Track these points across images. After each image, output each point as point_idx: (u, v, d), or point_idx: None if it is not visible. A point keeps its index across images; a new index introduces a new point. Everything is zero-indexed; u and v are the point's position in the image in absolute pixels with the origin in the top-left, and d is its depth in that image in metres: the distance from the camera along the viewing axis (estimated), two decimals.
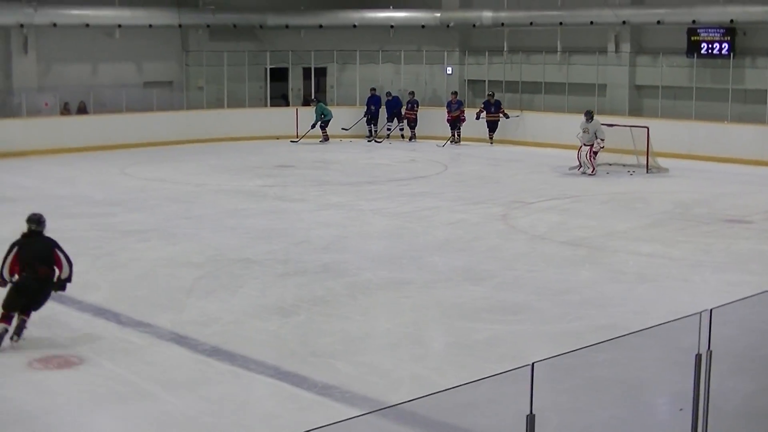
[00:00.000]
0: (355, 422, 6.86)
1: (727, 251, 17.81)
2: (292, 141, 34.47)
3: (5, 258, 12.45)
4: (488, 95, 34.48)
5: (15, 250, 12.49)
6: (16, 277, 12.38)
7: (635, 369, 9.08)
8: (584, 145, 26.97)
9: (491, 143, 34.04)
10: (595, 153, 26.90)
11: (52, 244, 12.70)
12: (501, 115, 33.85)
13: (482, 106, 34.21)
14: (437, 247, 17.95)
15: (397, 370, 11.49)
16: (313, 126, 34.46)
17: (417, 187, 24.87)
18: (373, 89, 36.21)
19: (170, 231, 19.40)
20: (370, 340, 12.66)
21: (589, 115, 27.14)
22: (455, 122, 34.33)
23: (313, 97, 36.14)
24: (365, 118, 35.88)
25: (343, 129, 35.17)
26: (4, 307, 12.26)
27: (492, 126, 34.09)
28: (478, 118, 33.84)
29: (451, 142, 34.22)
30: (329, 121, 34.74)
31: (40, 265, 12.46)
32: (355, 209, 21.80)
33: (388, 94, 35.87)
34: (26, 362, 11.65)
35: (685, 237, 18.91)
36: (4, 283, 12.46)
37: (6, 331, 12.14)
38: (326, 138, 34.65)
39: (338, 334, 12.84)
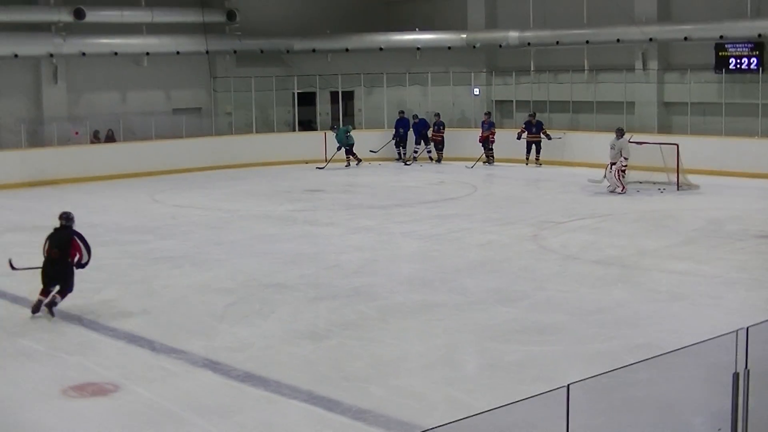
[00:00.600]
0: None
1: (762, 268, 17.68)
2: (318, 167, 34.42)
3: (43, 247, 15.47)
4: (530, 115, 34.16)
5: (47, 240, 15.45)
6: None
7: (672, 389, 9.00)
8: (611, 163, 26.90)
9: (534, 163, 33.66)
10: (622, 171, 26.81)
11: (72, 234, 15.48)
12: (542, 135, 33.58)
13: (524, 126, 33.95)
14: (468, 269, 17.91)
15: (431, 393, 11.45)
16: (339, 149, 34.33)
17: (447, 209, 24.83)
18: (401, 112, 36.22)
19: (201, 257, 19.44)
20: (403, 364, 12.62)
21: (620, 133, 27.06)
22: (486, 142, 34.26)
23: (332, 124, 36.00)
24: (393, 141, 35.89)
25: (371, 152, 35.19)
26: (42, 284, 15.17)
27: (533, 146, 33.67)
28: (519, 138, 33.60)
29: (483, 162, 34.16)
30: (352, 145, 34.55)
31: (52, 249, 15.24)
32: (386, 232, 21.79)
33: (415, 116, 35.87)
34: (61, 390, 11.67)
35: (718, 254, 18.81)
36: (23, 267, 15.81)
37: (41, 302, 15.03)
38: (358, 160, 34.68)
39: (371, 357, 12.81)
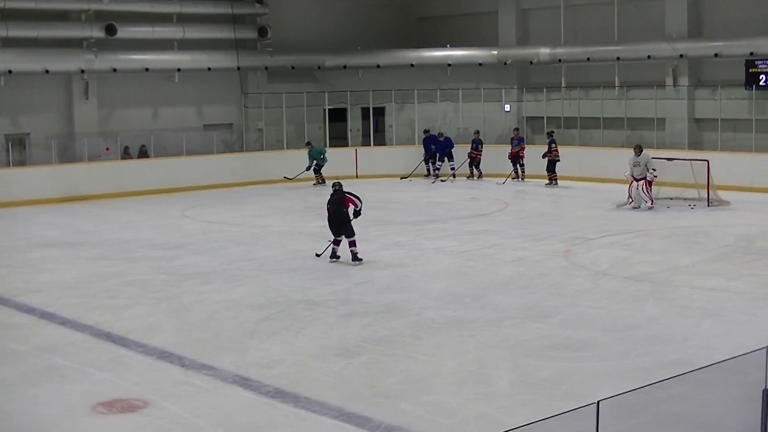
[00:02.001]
0: None
1: None
2: (286, 177, 34.52)
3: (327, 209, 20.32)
4: (549, 134, 34.09)
5: (328, 202, 20.38)
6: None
7: (703, 405, 8.99)
8: (636, 179, 26.83)
9: (547, 183, 33.49)
10: (650, 184, 26.76)
11: (344, 193, 20.33)
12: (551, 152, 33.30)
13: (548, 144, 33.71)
14: (500, 285, 17.89)
15: (463, 409, 11.44)
16: (308, 169, 34.09)
17: (478, 225, 24.82)
18: (427, 130, 36.18)
19: (233, 273, 19.48)
20: (435, 380, 12.61)
21: (639, 149, 27.00)
22: (516, 159, 34.22)
23: (306, 141, 35.55)
24: (424, 159, 35.90)
25: (402, 178, 35.37)
26: (334, 235, 20.20)
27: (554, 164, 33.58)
28: (544, 156, 33.41)
29: (512, 178, 34.14)
30: (323, 165, 34.32)
31: (330, 206, 20.30)
32: (417, 248, 21.79)
33: (440, 134, 35.78)
34: (90, 406, 11.71)
35: (749, 270, 18.73)
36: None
37: (334, 250, 20.24)
38: (322, 181, 34.05)
39: (402, 374, 12.80)
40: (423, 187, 33.37)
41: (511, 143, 34.61)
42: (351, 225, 20.21)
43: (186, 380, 12.77)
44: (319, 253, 20.75)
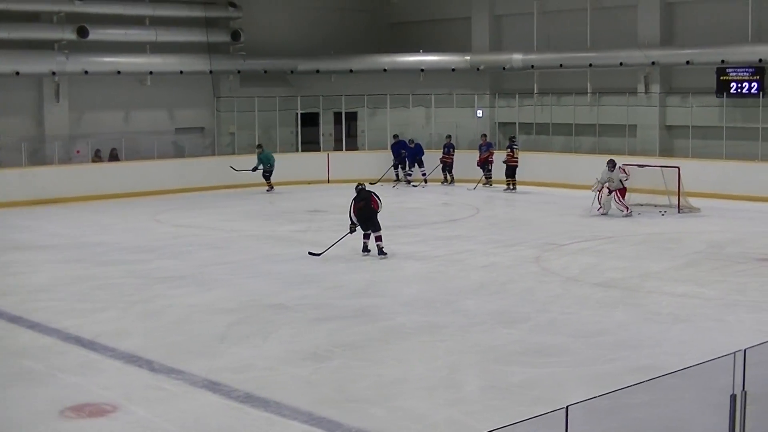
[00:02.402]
0: None
1: (762, 290, 17.69)
2: (232, 167, 34.18)
3: (350, 209, 21.44)
4: (511, 139, 34.45)
5: (353, 202, 21.39)
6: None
7: (671, 410, 9.01)
8: (610, 190, 26.89)
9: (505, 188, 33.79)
10: (623, 193, 26.83)
11: (371, 193, 21.63)
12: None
13: (508, 150, 33.99)
14: (471, 291, 17.90)
15: (433, 414, 11.43)
16: (254, 170, 33.76)
17: (450, 231, 24.84)
18: (396, 135, 36.24)
19: (204, 277, 19.43)
20: (405, 385, 12.60)
21: (612, 164, 27.01)
22: (485, 164, 34.29)
23: (258, 143, 35.27)
24: (393, 164, 35.90)
25: (371, 184, 35.36)
26: (363, 229, 21.43)
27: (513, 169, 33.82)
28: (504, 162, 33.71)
29: (482, 184, 34.21)
30: (272, 171, 34.01)
31: (359, 203, 21.32)
32: (388, 253, 21.77)
33: (411, 141, 35.80)
34: (59, 411, 11.63)
35: (718, 277, 18.81)
36: (353, 227, 21.41)
37: (366, 244, 21.54)
38: (271, 187, 34.00)
39: (372, 379, 12.79)
40: (394, 192, 33.38)
41: (480, 149, 34.72)
42: (378, 220, 21.44)
43: (155, 384, 12.71)
44: (315, 252, 21.43)
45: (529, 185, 33.89)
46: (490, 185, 34.25)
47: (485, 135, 35.53)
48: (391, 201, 30.62)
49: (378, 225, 21.39)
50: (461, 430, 10.70)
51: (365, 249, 21.53)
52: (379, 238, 21.36)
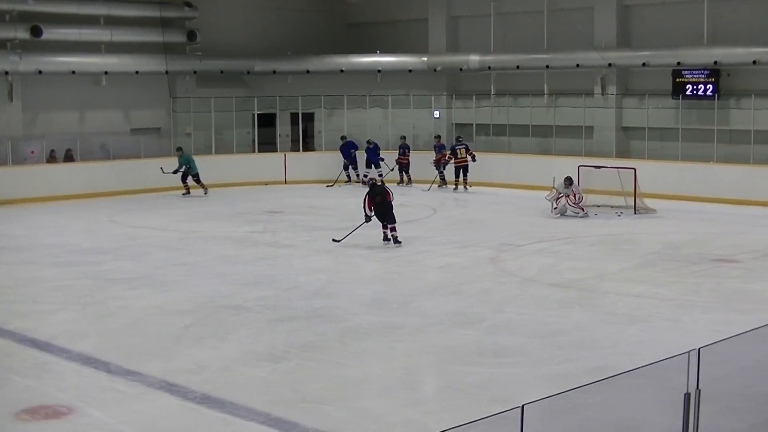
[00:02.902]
0: None
1: (716, 291, 17.83)
2: (162, 169, 33.60)
3: (363, 202, 23.01)
4: (457, 139, 34.91)
5: (367, 196, 23.07)
6: (372, 210, 22.93)
7: (626, 409, 9.05)
8: (561, 196, 27.03)
9: (463, 186, 34.09)
10: (579, 204, 27.01)
11: (384, 186, 23.77)
12: (469, 158, 33.91)
13: (450, 151, 34.27)
14: (428, 291, 17.93)
15: (390, 414, 11.44)
16: (174, 172, 32.82)
17: (407, 231, 24.81)
18: (344, 137, 36.31)
19: (160, 279, 19.35)
20: (362, 386, 12.61)
21: (569, 182, 27.09)
22: (438, 165, 34.39)
23: (178, 146, 34.42)
24: (344, 166, 35.91)
25: (328, 186, 35.41)
26: (381, 221, 23.01)
27: (461, 170, 34.04)
28: (444, 167, 33.99)
29: (437, 185, 34.31)
30: (197, 174, 33.04)
31: (375, 197, 22.94)
32: (345, 254, 21.79)
33: (369, 141, 35.82)
34: (13, 413, 11.54)
35: (674, 277, 18.93)
36: (368, 218, 22.96)
37: (385, 234, 23.07)
38: (188, 191, 33.09)
39: (330, 379, 12.78)
40: (352, 193, 33.31)
41: (435, 150, 34.87)
42: (393, 213, 23.12)
43: (112, 386, 12.65)
44: (337, 239, 23.18)
45: (485, 186, 33.97)
46: (445, 186, 34.32)
47: (439, 136, 35.67)
48: (349, 202, 30.58)
49: (394, 218, 23.12)
50: (418, 430, 10.72)
51: (386, 238, 23.10)
52: (394, 229, 23.05)
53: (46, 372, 13.31)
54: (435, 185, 34.27)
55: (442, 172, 34.30)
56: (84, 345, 14.54)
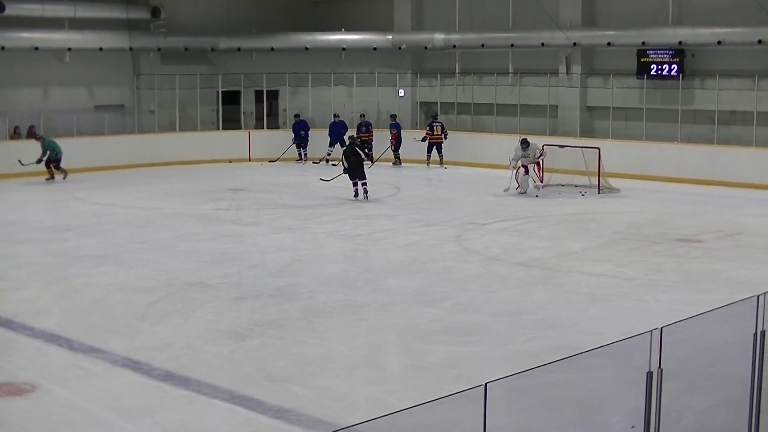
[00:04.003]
0: None
1: (679, 270, 17.93)
2: (20, 161, 31.21)
3: (342, 158, 26.79)
4: (432, 117, 35.51)
5: (343, 155, 26.84)
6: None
7: (589, 388, 9.11)
8: (523, 166, 27.13)
9: (438, 165, 34.72)
10: (539, 166, 27.13)
11: (355, 146, 27.00)
12: (443, 136, 34.64)
13: (427, 128, 34.66)
14: (392, 270, 17.95)
15: (354, 392, 11.47)
16: (39, 161, 30.65)
17: (371, 210, 24.89)
18: (297, 115, 36.30)
19: (123, 256, 19.29)
20: (326, 364, 12.62)
21: (526, 144, 27.16)
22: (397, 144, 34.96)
23: (39, 134, 32.49)
24: (294, 143, 35.90)
25: (270, 161, 35.45)
26: (352, 178, 26.57)
27: (434, 148, 34.71)
28: (424, 140, 34.21)
29: (393, 164, 35.13)
30: (60, 158, 30.87)
31: (350, 158, 26.42)
32: (309, 232, 21.79)
33: (336, 115, 35.78)
34: None
35: (637, 257, 19.03)
36: (345, 170, 26.60)
37: (356, 191, 26.46)
38: (52, 177, 30.92)
39: (293, 357, 12.79)
40: (315, 171, 33.27)
41: (390, 129, 35.13)
42: (364, 170, 26.61)
43: (75, 363, 12.62)
44: (325, 179, 27.59)
45: (450, 165, 34.05)
46: (400, 165, 35.12)
47: (395, 115, 35.82)
48: (312, 180, 30.57)
49: (364, 174, 26.53)
50: (382, 408, 10.73)
51: (356, 194, 26.38)
52: (365, 184, 26.39)
53: (8, 349, 13.26)
54: (392, 164, 35.20)
55: (370, 149, 34.78)
56: (47, 322, 14.49)
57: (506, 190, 27.26)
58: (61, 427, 10.54)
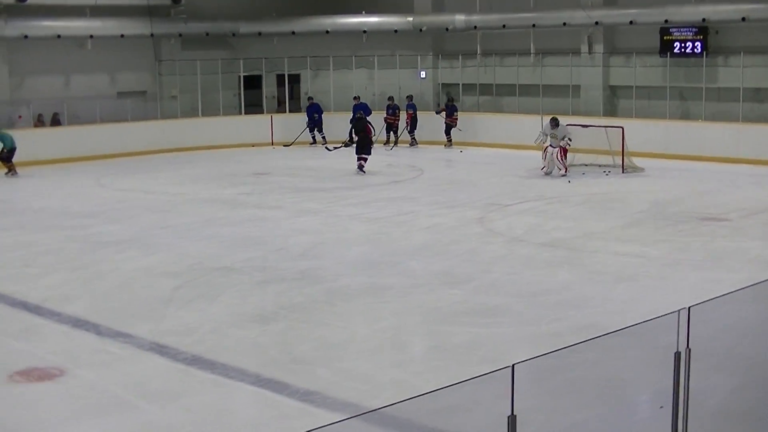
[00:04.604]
0: (336, 427, 6.85)
1: (704, 249, 17.87)
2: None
3: (350, 130, 29.49)
4: (449, 99, 35.91)
5: (352, 128, 29.28)
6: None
7: (615, 368, 9.09)
8: (551, 146, 27.09)
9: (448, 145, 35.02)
10: (565, 152, 27.04)
11: (366, 122, 28.91)
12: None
13: (444, 107, 35.35)
14: (415, 252, 17.94)
15: (378, 375, 11.48)
16: None
17: (394, 192, 24.88)
18: (310, 98, 36.37)
19: (148, 241, 19.35)
20: (350, 346, 12.64)
21: (555, 122, 27.17)
22: (390, 127, 35.84)
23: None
24: (308, 127, 35.93)
25: (285, 146, 35.55)
26: (358, 152, 28.36)
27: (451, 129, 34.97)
28: (438, 113, 35.24)
29: (410, 144, 35.61)
30: (13, 151, 29.49)
31: (358, 133, 28.46)
32: (333, 215, 21.79)
33: (356, 97, 35.78)
34: (6, 376, 11.58)
35: (662, 236, 18.96)
36: (351, 141, 29.45)
37: (360, 165, 28.12)
38: (10, 170, 29.36)
39: (318, 340, 12.81)
40: (338, 154, 33.26)
41: (387, 111, 35.87)
42: (371, 147, 28.64)
43: (102, 348, 12.69)
44: (330, 147, 30.12)
45: (472, 146, 34.05)
46: (393, 147, 35.63)
47: (411, 96, 36.14)
48: (335, 163, 30.59)
49: (370, 150, 28.42)
50: (407, 390, 10.74)
51: (361, 168, 28.09)
52: (365, 159, 28.13)
53: (36, 335, 13.33)
54: (390, 145, 35.62)
55: (396, 133, 35.61)
56: (74, 308, 14.56)
57: (543, 169, 27.24)
58: (88, 411, 10.59)
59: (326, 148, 29.64)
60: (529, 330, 13.10)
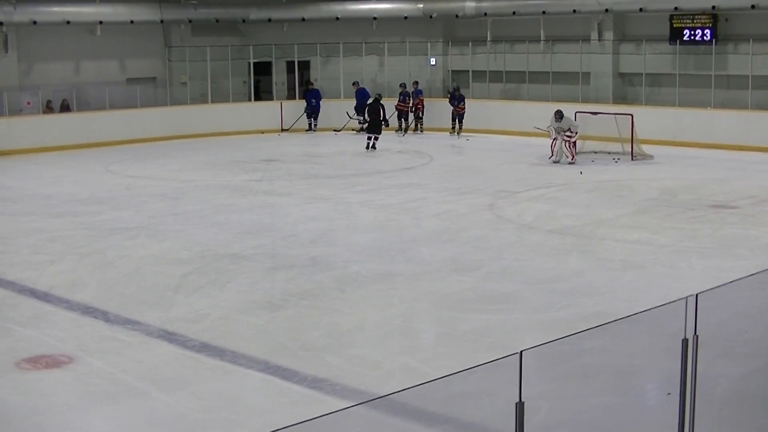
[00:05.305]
0: (346, 414, 6.86)
1: (714, 237, 17.85)
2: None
3: (365, 111, 31.03)
4: (454, 89, 35.50)
5: (368, 109, 31.29)
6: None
7: (624, 355, 9.10)
8: (559, 135, 27.07)
9: (455, 133, 34.84)
10: (574, 143, 27.00)
11: (379, 105, 30.99)
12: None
13: (449, 97, 35.12)
14: (425, 239, 17.94)
15: (388, 361, 11.49)
16: None
17: (403, 179, 24.87)
18: (310, 83, 36.44)
19: (157, 228, 19.36)
20: (360, 333, 12.66)
21: (559, 115, 27.12)
22: (401, 114, 35.77)
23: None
24: (305, 113, 35.94)
25: (284, 130, 35.55)
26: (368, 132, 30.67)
27: (457, 117, 34.85)
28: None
29: (413, 131, 35.65)
30: None
31: (371, 115, 30.73)
32: (342, 202, 21.80)
33: (355, 83, 35.82)
34: (14, 363, 11.59)
35: (671, 223, 18.94)
36: (364, 121, 31.35)
37: (368, 144, 30.36)
38: None
39: (327, 327, 12.82)
40: (347, 140, 33.28)
41: (399, 98, 35.62)
42: (381, 127, 30.84)
43: (111, 335, 12.70)
44: (337, 129, 32.13)
45: (482, 133, 34.03)
46: (404, 133, 35.46)
47: (417, 82, 35.98)
48: (345, 150, 30.60)
49: (380, 130, 30.68)
50: (416, 376, 10.76)
51: (371, 147, 30.25)
52: (376, 139, 30.33)
53: (45, 322, 13.34)
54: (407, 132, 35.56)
55: (407, 120, 35.54)
56: (83, 295, 14.58)
57: (551, 158, 27.22)
58: (98, 399, 10.60)
59: (335, 131, 31.24)
60: (539, 317, 13.10)
